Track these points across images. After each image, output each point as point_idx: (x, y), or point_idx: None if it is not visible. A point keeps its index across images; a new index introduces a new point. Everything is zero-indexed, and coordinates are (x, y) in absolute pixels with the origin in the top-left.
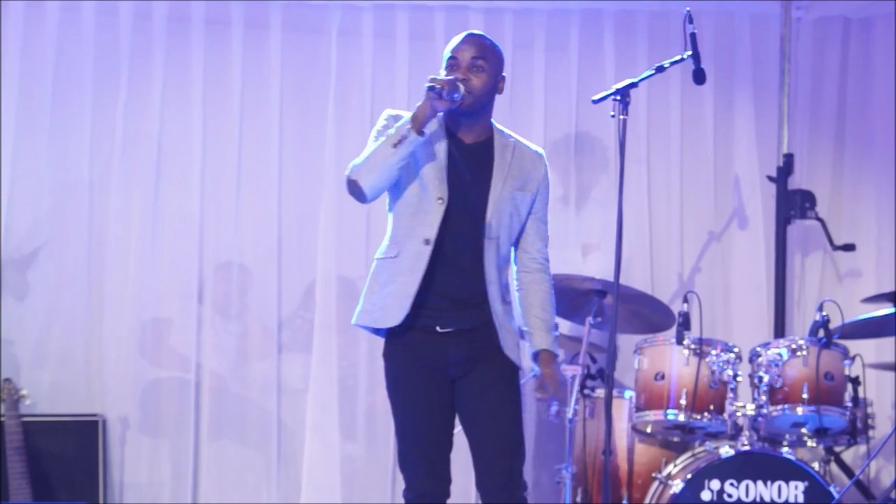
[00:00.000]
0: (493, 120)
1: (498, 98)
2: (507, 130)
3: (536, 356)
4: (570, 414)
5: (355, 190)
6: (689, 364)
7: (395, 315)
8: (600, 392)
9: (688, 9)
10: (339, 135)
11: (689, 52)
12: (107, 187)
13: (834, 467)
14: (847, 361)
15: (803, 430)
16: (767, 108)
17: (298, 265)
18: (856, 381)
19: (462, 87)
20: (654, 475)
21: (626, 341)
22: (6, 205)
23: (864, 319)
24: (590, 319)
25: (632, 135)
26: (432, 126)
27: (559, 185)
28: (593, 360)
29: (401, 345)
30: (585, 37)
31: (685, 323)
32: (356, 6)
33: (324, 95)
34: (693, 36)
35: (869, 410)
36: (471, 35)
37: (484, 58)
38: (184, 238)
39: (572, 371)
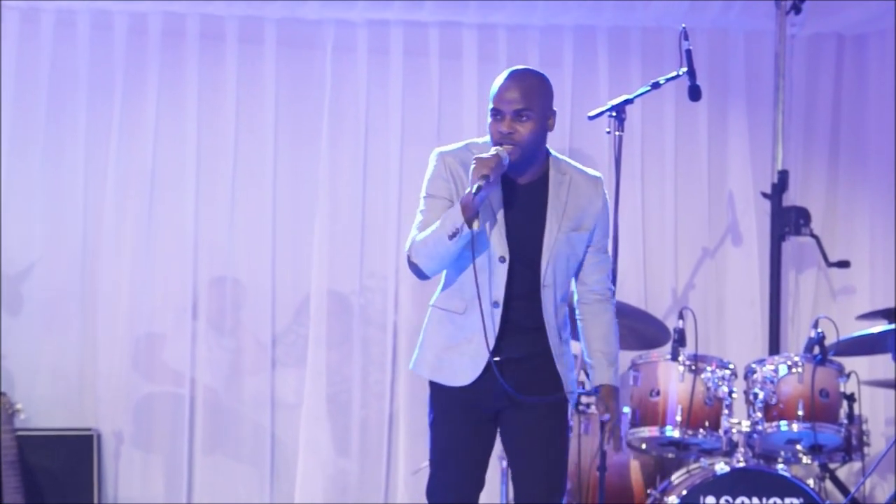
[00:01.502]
0: (549, 148)
1: None
2: (564, 159)
3: (597, 390)
4: None
5: (416, 270)
6: (685, 380)
7: (468, 375)
8: (595, 408)
9: (683, 25)
10: (333, 150)
11: (685, 69)
12: (101, 202)
13: (829, 484)
14: (842, 378)
15: (798, 447)
16: (762, 124)
17: (292, 280)
18: (851, 398)
19: (505, 153)
20: (649, 491)
21: (620, 357)
22: (1, 220)
23: (859, 336)
24: None
25: (626, 151)
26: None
27: None
28: (588, 376)
29: (454, 392)
30: (579, 53)
31: (680, 339)
32: (350, 22)
33: (318, 111)
34: (688, 52)
35: (864, 427)
36: (511, 80)
37: (528, 106)
38: (178, 253)
39: None
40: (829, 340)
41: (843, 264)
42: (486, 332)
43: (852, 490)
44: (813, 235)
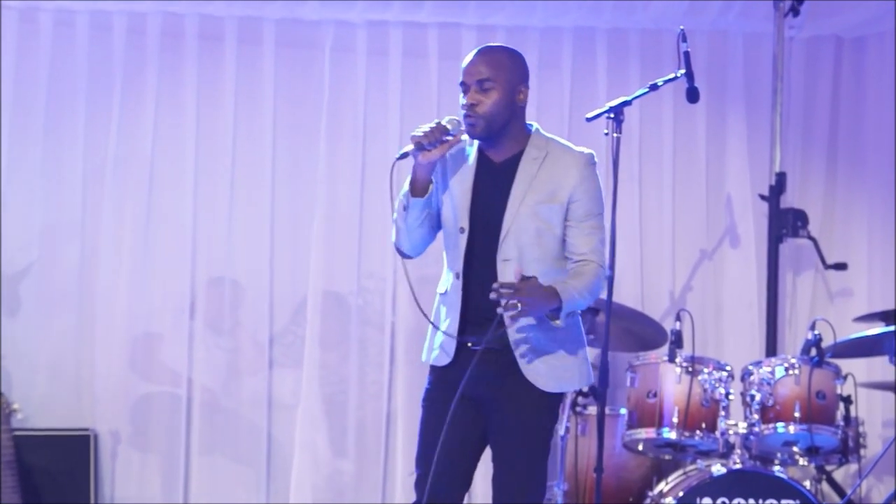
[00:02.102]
0: (537, 128)
1: None
2: (549, 136)
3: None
4: (562, 431)
5: (399, 251)
6: (682, 382)
7: (447, 352)
8: (592, 409)
9: (682, 27)
10: (331, 151)
11: (683, 71)
12: (99, 202)
13: (825, 486)
14: (839, 380)
15: (795, 449)
16: (760, 126)
17: (290, 281)
18: (847, 400)
19: (455, 122)
20: (645, 493)
21: (617, 359)
22: None
23: (856, 338)
24: None
25: (624, 152)
26: (462, 159)
27: None
28: None
29: (439, 369)
30: (578, 55)
31: (678, 341)
32: (349, 23)
33: (317, 111)
34: (687, 54)
35: (860, 429)
36: (476, 54)
37: (492, 77)
38: (176, 253)
39: None
40: (827, 342)
41: (841, 266)
42: (455, 303)
43: (849, 492)
44: (810, 237)
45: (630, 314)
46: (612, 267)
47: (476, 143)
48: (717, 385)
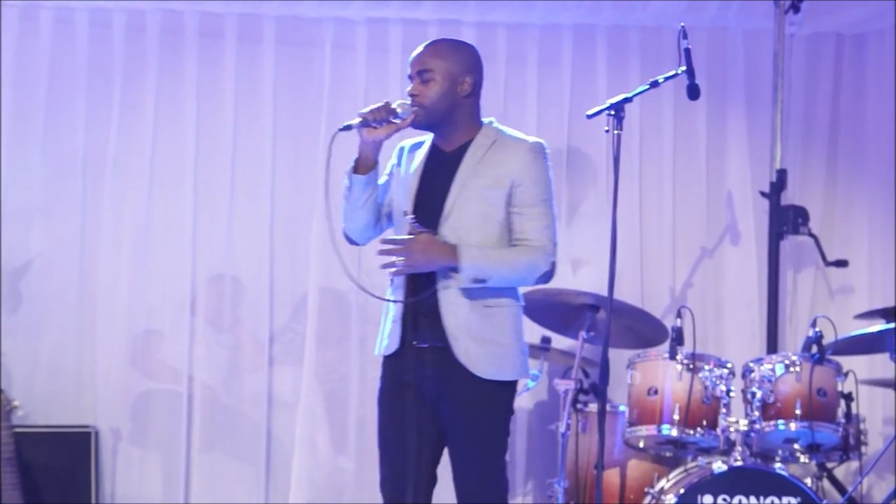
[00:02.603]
0: (492, 120)
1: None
2: (502, 129)
3: None
4: (562, 428)
5: (346, 237)
6: (682, 379)
7: (393, 342)
8: (593, 406)
9: (682, 24)
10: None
11: (684, 68)
12: (99, 199)
13: (826, 483)
14: (840, 377)
15: (796, 446)
16: (760, 123)
17: (290, 278)
18: (848, 398)
19: (405, 105)
20: (646, 490)
21: (618, 356)
22: None
23: (857, 336)
24: (583, 334)
25: (624, 150)
26: (421, 152)
27: None
28: (586, 374)
29: (389, 364)
30: (578, 52)
31: (678, 338)
32: (350, 20)
33: (317, 109)
34: (687, 51)
35: (861, 427)
36: (423, 45)
37: (431, 67)
38: (176, 250)
39: (565, 385)
40: (827, 339)
41: (842, 263)
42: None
43: (849, 489)
44: (811, 234)
45: (630, 311)
46: (612, 264)
47: (431, 135)
48: (717, 382)
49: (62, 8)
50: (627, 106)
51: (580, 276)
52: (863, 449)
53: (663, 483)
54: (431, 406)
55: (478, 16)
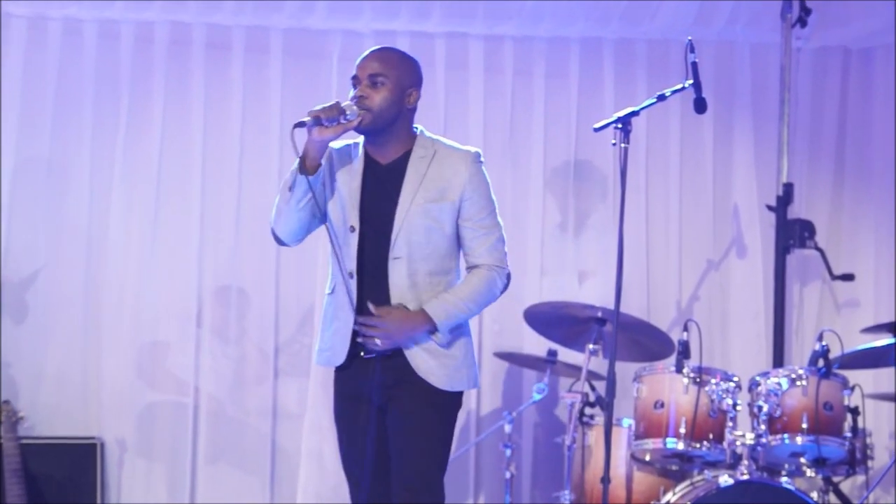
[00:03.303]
0: (422, 129)
1: (498, 125)
2: (436, 138)
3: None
4: (568, 441)
5: (274, 236)
6: (689, 393)
7: (340, 354)
8: (599, 420)
9: (689, 38)
10: None
11: (691, 81)
12: (106, 210)
13: (832, 497)
14: (846, 391)
15: (802, 460)
16: (767, 137)
17: (296, 289)
18: (855, 412)
19: (354, 108)
20: (652, 503)
21: (624, 369)
22: (5, 227)
23: (864, 350)
24: (589, 347)
25: (631, 163)
26: (354, 154)
27: (557, 211)
28: (592, 387)
29: (340, 377)
30: (585, 65)
31: (685, 351)
32: (357, 32)
33: None
34: (694, 65)
35: (868, 441)
36: (372, 51)
37: (383, 73)
38: (182, 261)
39: (571, 398)
40: (834, 353)
41: (848, 277)
42: (350, 299)
43: (856, 503)
44: (817, 248)
45: (637, 324)
46: (619, 277)
47: (361, 145)
48: (724, 396)
49: (70, 19)
50: (634, 119)
51: (587, 288)
52: (869, 463)
53: (669, 497)
54: (381, 413)
55: (485, 29)
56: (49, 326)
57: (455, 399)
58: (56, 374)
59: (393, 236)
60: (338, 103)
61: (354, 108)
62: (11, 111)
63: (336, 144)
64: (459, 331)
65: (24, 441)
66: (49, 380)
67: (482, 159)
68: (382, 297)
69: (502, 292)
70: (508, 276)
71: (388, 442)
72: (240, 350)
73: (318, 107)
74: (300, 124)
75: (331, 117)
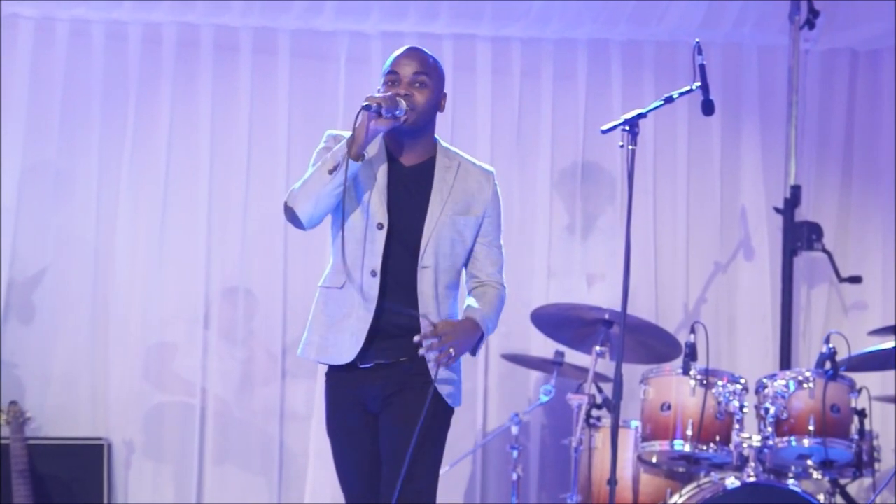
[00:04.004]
0: (438, 137)
1: (505, 126)
2: (453, 149)
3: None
4: (575, 443)
5: (292, 217)
6: (696, 395)
7: (349, 352)
8: (605, 422)
9: (697, 40)
10: None
11: (698, 83)
12: (113, 211)
13: (839, 500)
14: (853, 394)
15: (809, 462)
16: (775, 139)
17: (303, 291)
18: (862, 414)
19: (404, 103)
20: None
21: (631, 371)
22: (13, 228)
23: (871, 352)
24: (596, 349)
25: (639, 165)
26: (372, 149)
27: (565, 213)
28: (599, 389)
29: (339, 380)
30: (593, 66)
31: (692, 353)
32: (364, 34)
33: (332, 122)
34: (702, 67)
35: (875, 443)
36: (412, 49)
37: (426, 73)
38: (190, 263)
39: (578, 400)
40: (841, 356)
41: (855, 280)
42: (366, 301)
43: None
44: (825, 251)
45: (644, 326)
46: (626, 279)
47: (382, 144)
48: (731, 398)
49: (78, 20)
50: (642, 121)
51: (594, 291)
52: (876, 465)
53: (676, 499)
54: (375, 420)
55: (493, 30)
56: (57, 327)
57: (450, 415)
58: (63, 376)
59: (423, 244)
60: (394, 96)
61: (404, 104)
62: (19, 112)
63: (343, 133)
64: None
65: (32, 442)
66: (56, 381)
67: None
68: (410, 305)
69: None
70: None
71: (382, 446)
72: (247, 351)
73: (379, 95)
74: (367, 107)
75: (389, 108)
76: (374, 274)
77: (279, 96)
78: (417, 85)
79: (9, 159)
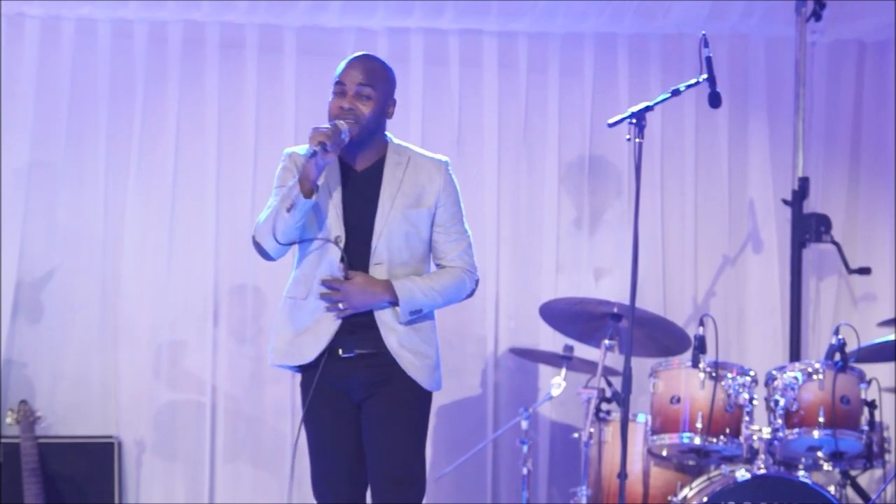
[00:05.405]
0: (389, 135)
1: (512, 121)
2: (405, 145)
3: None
4: (585, 437)
5: (260, 250)
6: (705, 387)
7: (311, 352)
8: (615, 416)
9: (703, 32)
10: None
11: (705, 76)
12: (122, 210)
13: (850, 491)
14: (863, 385)
15: (819, 454)
16: (782, 131)
17: None
18: (872, 405)
19: (345, 125)
20: (669, 499)
21: (640, 365)
22: (21, 226)
23: (880, 343)
24: (605, 343)
25: (646, 158)
26: (331, 170)
27: (573, 208)
28: (608, 383)
29: (309, 376)
30: (599, 61)
31: (701, 346)
32: (370, 30)
33: None
34: (709, 59)
35: (885, 434)
36: (357, 59)
37: (371, 84)
38: (198, 260)
39: (587, 394)
40: (850, 347)
41: (864, 271)
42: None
43: (873, 497)
44: (834, 242)
45: (653, 320)
46: (634, 273)
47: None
48: (740, 390)
49: (84, 19)
50: (649, 114)
51: (602, 285)
52: (887, 457)
53: (686, 492)
54: (356, 409)
55: (499, 25)
56: (66, 327)
57: (429, 399)
58: (73, 374)
59: (374, 242)
60: (336, 124)
61: (345, 125)
62: (26, 112)
63: (297, 149)
64: (430, 330)
65: (42, 440)
66: (66, 379)
67: (451, 168)
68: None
69: (468, 296)
70: (477, 282)
71: (366, 438)
72: (256, 349)
73: (321, 133)
74: (312, 154)
75: (334, 142)
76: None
77: (286, 93)
78: (362, 98)
79: (16, 158)
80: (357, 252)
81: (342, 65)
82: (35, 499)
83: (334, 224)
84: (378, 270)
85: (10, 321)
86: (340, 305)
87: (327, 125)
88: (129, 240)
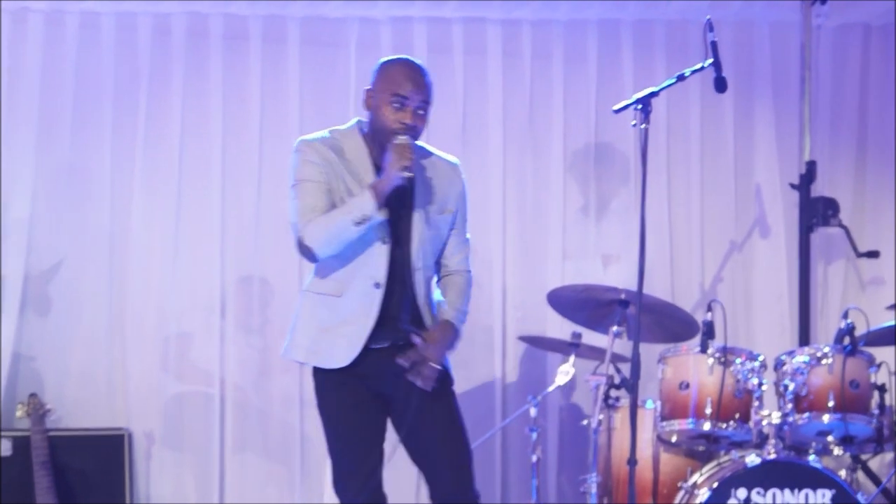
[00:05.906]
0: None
1: (517, 110)
2: (422, 145)
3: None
4: (594, 424)
5: (307, 253)
6: (714, 373)
7: (344, 356)
8: (624, 402)
9: (708, 17)
10: None
11: (710, 61)
12: (128, 202)
13: (860, 475)
14: (873, 369)
15: (829, 438)
16: (788, 115)
17: None
18: (882, 389)
19: (411, 149)
20: (679, 484)
21: (649, 351)
22: (28, 221)
23: (889, 326)
24: (613, 329)
25: (652, 144)
26: (361, 166)
27: (579, 195)
28: (617, 370)
29: (342, 376)
30: (604, 47)
31: (709, 332)
32: (374, 20)
33: (343, 109)
34: (714, 44)
35: (895, 417)
36: (420, 73)
37: (430, 102)
38: (205, 252)
39: (596, 381)
40: (859, 331)
41: (873, 254)
42: (368, 310)
43: (884, 480)
44: (841, 226)
45: (661, 306)
46: (641, 259)
47: (363, 148)
48: (749, 375)
49: (87, 12)
50: (654, 100)
51: (610, 271)
52: None
53: (696, 477)
54: (385, 403)
55: (503, 13)
56: (74, 320)
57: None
58: (82, 368)
59: (413, 247)
60: (406, 145)
61: (411, 149)
62: (31, 106)
63: (314, 136)
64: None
65: (52, 433)
66: (75, 372)
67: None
68: (410, 309)
69: None
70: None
71: (416, 430)
72: (263, 340)
73: (405, 159)
74: (403, 179)
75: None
76: (377, 286)
77: (290, 84)
78: (421, 115)
79: (22, 154)
80: (397, 257)
81: (402, 75)
82: (46, 491)
83: (379, 227)
84: (418, 276)
85: (19, 315)
86: (426, 372)
87: (406, 142)
88: (136, 232)
